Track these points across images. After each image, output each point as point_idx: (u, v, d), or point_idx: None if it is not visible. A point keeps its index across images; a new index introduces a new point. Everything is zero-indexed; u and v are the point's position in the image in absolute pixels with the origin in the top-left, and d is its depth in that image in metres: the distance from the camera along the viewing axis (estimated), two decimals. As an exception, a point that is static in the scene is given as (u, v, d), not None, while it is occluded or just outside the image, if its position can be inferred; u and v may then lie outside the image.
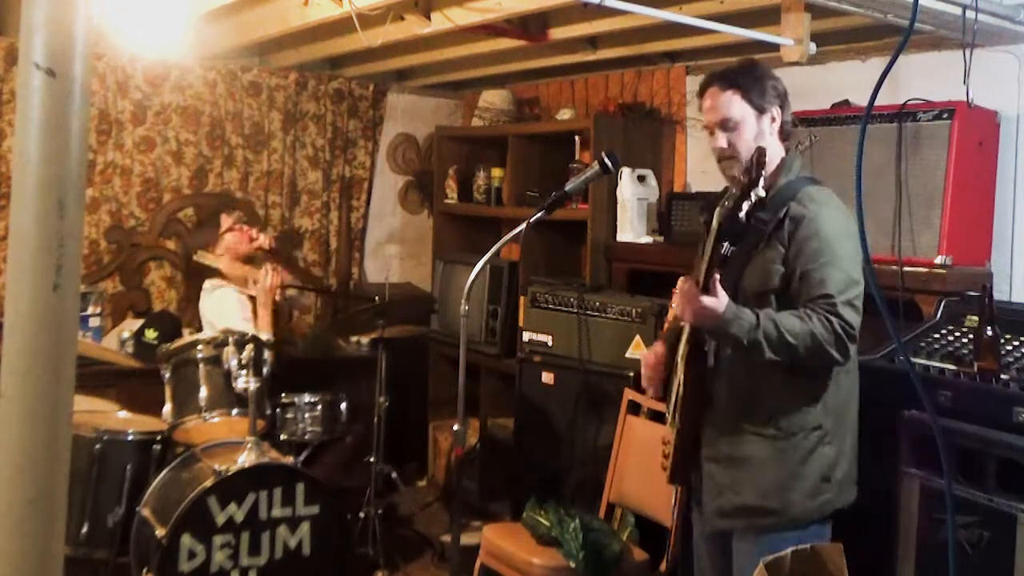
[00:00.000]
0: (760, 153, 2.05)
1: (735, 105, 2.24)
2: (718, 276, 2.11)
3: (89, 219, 4.47)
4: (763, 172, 2.02)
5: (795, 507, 2.19)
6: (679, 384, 2.29)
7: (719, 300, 2.12)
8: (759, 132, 2.25)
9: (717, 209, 2.09)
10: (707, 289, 2.12)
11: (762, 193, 2.01)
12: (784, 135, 2.31)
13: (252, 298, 3.82)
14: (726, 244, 2.20)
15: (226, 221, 3.88)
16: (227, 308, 3.72)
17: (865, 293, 2.19)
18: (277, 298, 3.75)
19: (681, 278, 2.21)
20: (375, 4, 3.26)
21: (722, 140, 2.27)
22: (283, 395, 3.59)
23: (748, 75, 2.26)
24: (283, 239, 4.97)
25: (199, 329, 3.86)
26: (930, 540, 2.46)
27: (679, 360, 2.30)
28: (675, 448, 2.33)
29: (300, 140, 5.06)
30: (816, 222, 2.16)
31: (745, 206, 2.01)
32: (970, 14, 2.79)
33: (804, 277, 2.16)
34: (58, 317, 0.97)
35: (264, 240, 3.90)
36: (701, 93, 2.32)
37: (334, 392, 3.72)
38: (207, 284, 3.82)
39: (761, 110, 2.25)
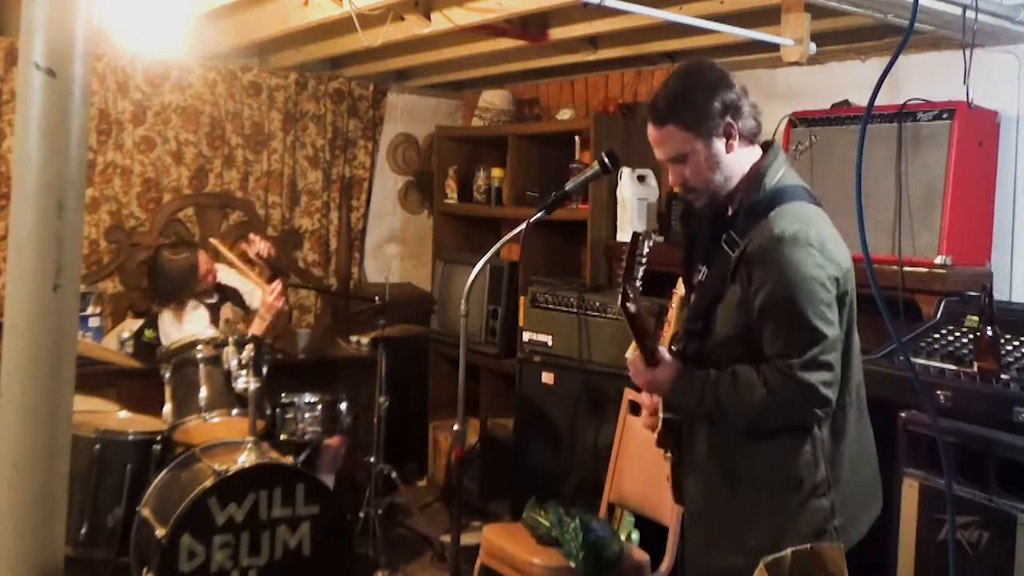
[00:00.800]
0: (633, 244, 1.93)
1: (677, 139, 2.01)
2: (662, 347, 2.04)
3: (89, 219, 4.47)
4: (638, 264, 1.92)
5: None
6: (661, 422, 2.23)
7: (666, 372, 2.03)
8: (713, 158, 2.01)
9: (626, 303, 1.96)
10: (652, 360, 2.03)
11: (638, 290, 1.94)
12: (748, 139, 2.04)
13: (210, 306, 3.85)
14: (704, 269, 2.13)
15: (204, 263, 3.86)
16: (191, 329, 3.70)
17: (865, 294, 2.14)
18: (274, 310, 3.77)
19: (630, 350, 2.09)
20: (375, 4, 3.26)
21: (676, 175, 2.06)
22: (283, 395, 3.60)
23: (682, 101, 2.00)
24: (283, 239, 4.98)
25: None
26: (930, 540, 2.46)
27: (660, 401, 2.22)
28: (672, 473, 2.27)
29: (300, 140, 5.05)
30: (773, 263, 1.91)
31: (629, 303, 1.94)
32: (970, 14, 2.79)
33: (762, 328, 1.95)
34: (58, 317, 0.97)
35: (263, 247, 3.90)
36: (644, 124, 2.11)
37: (334, 392, 3.72)
38: (166, 312, 3.84)
39: (708, 135, 1.99)
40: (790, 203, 1.98)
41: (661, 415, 2.19)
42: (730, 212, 2.09)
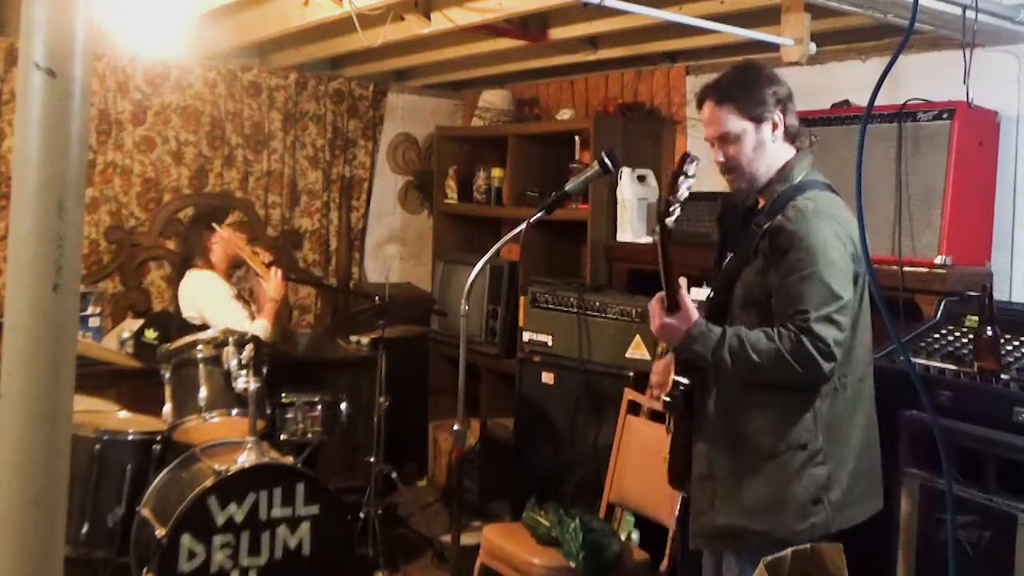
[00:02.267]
0: (681, 161, 2.03)
1: (731, 120, 2.19)
2: (685, 292, 2.14)
3: (89, 219, 4.47)
4: (682, 181, 2.02)
5: (781, 529, 2.11)
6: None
7: (685, 317, 2.11)
8: (759, 143, 2.19)
9: (664, 218, 2.06)
10: (674, 306, 2.12)
11: (677, 202, 2.02)
12: (790, 137, 2.24)
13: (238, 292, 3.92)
14: (730, 255, 2.25)
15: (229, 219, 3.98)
16: (214, 290, 3.81)
17: (865, 294, 2.18)
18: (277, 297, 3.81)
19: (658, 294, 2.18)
20: (375, 4, 3.26)
21: (721, 154, 2.23)
22: (283, 395, 3.60)
23: (743, 86, 2.20)
24: (283, 239, 4.98)
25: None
26: (930, 540, 2.46)
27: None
28: (670, 452, 2.33)
29: (300, 140, 5.05)
30: (796, 233, 2.08)
31: (668, 218, 2.04)
32: (970, 14, 2.79)
33: (780, 290, 2.09)
34: (58, 317, 0.97)
35: (266, 257, 3.96)
36: (699, 106, 2.27)
37: (334, 392, 3.72)
38: (192, 272, 3.89)
39: (759, 120, 2.18)
40: (814, 190, 2.18)
41: (672, 377, 2.25)
42: (760, 204, 2.25)
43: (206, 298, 3.81)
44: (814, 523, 2.10)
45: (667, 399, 2.28)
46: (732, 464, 2.18)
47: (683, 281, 2.43)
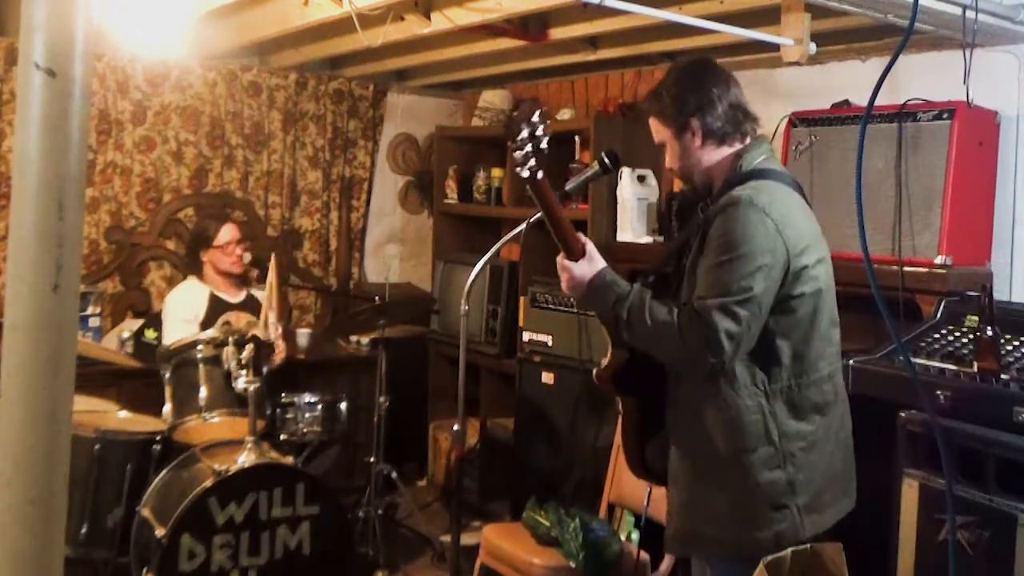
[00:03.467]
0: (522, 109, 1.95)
1: (656, 129, 2.19)
2: (587, 239, 2.09)
3: (89, 219, 4.47)
4: (524, 127, 1.92)
5: (741, 539, 2.00)
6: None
7: (587, 268, 2.07)
8: (683, 149, 2.14)
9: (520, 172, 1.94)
10: (572, 252, 2.07)
11: (521, 151, 1.92)
12: (716, 140, 2.12)
13: (221, 302, 3.91)
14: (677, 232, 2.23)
15: (225, 234, 3.93)
16: (183, 306, 3.84)
17: (865, 294, 2.15)
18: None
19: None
20: (375, 4, 3.26)
21: (663, 160, 2.23)
22: (283, 395, 3.60)
23: (661, 94, 2.16)
24: (283, 239, 4.98)
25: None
26: (930, 540, 2.46)
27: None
28: (622, 436, 2.33)
29: (300, 140, 5.05)
30: (720, 222, 1.99)
31: (518, 168, 1.97)
32: (970, 14, 2.79)
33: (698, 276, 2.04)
34: (58, 317, 0.97)
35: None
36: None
37: (334, 392, 3.73)
38: (187, 279, 3.98)
39: (680, 128, 2.13)
40: (761, 180, 2.06)
41: (609, 348, 2.20)
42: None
43: (167, 310, 3.88)
44: (779, 531, 1.97)
45: (599, 373, 2.23)
46: (691, 467, 2.11)
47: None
